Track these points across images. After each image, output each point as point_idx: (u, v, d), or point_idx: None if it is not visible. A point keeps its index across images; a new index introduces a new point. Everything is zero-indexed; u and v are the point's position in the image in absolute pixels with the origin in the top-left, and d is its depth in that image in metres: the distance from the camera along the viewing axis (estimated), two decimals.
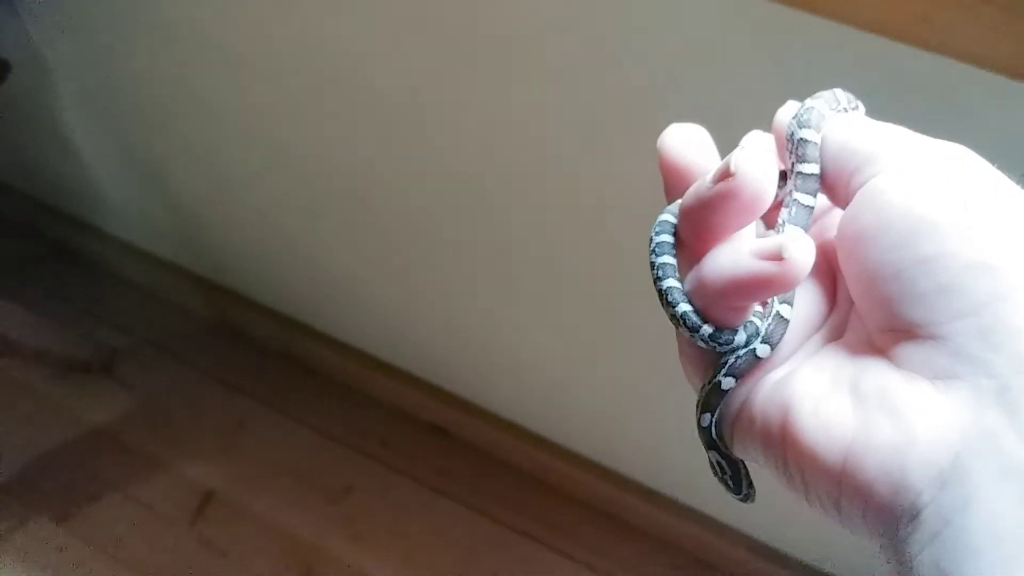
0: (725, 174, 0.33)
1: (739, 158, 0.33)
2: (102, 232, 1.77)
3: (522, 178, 1.10)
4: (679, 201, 0.36)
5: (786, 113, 0.37)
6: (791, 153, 0.36)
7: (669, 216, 0.37)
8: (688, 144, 0.37)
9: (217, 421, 1.59)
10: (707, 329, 0.35)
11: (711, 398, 0.37)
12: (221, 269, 1.67)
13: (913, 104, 0.64)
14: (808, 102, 0.36)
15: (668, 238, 0.37)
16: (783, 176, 0.37)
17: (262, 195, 1.44)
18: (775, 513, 1.33)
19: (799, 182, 0.36)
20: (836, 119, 0.36)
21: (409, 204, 1.26)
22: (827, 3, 0.69)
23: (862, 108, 0.38)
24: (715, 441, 0.38)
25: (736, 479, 0.39)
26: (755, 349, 0.35)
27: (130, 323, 1.72)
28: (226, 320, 1.71)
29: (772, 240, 0.33)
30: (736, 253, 0.34)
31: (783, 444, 0.33)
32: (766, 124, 0.39)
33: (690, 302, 0.36)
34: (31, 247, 1.81)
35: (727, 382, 0.36)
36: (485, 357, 1.44)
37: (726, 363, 0.36)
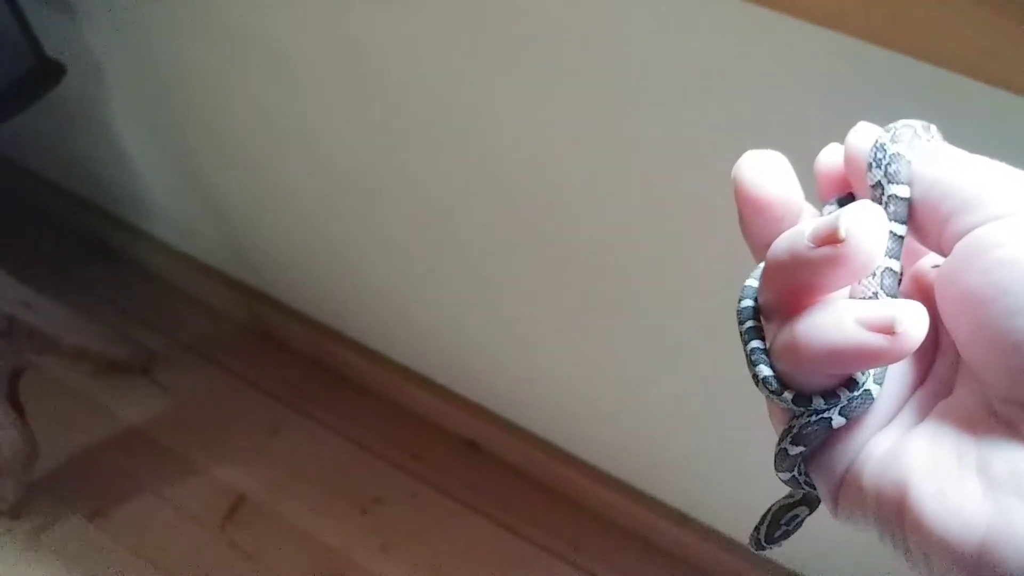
0: (832, 238, 0.30)
1: (851, 222, 0.29)
2: (145, 234, 1.79)
3: (573, 194, 1.10)
4: (759, 270, 0.34)
5: (860, 136, 0.34)
6: (879, 170, 0.33)
7: (754, 282, 0.36)
8: (768, 175, 0.34)
9: (251, 426, 1.60)
10: (788, 395, 0.33)
11: (780, 460, 0.36)
12: (261, 276, 1.68)
13: (972, 140, 0.63)
14: (891, 146, 0.33)
15: (752, 303, 0.35)
16: (850, 197, 0.35)
17: (305, 203, 1.44)
18: (812, 545, 1.31)
19: (892, 208, 0.32)
20: (929, 147, 0.33)
21: (452, 218, 1.26)
22: (900, 36, 0.68)
23: (938, 138, 0.35)
24: (799, 482, 0.37)
25: (777, 532, 0.39)
26: (831, 419, 0.33)
27: (169, 326, 1.73)
28: (264, 326, 1.72)
29: (883, 311, 0.30)
30: (839, 321, 0.31)
31: (902, 524, 0.30)
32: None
33: (772, 365, 0.34)
34: (76, 247, 1.83)
35: (794, 449, 0.35)
36: (520, 373, 1.43)
37: (793, 429, 0.34)
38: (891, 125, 0.34)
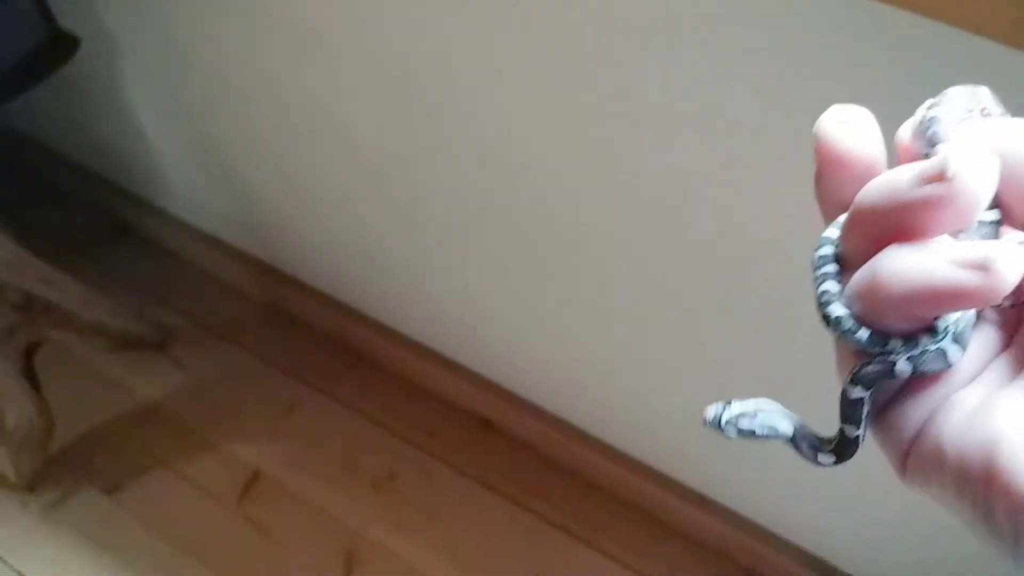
0: (938, 175, 0.28)
1: (959, 161, 0.28)
2: (164, 212, 1.79)
3: (590, 172, 1.09)
4: (842, 219, 0.32)
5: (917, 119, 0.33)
6: (921, 138, 0.32)
7: (834, 231, 0.33)
8: (853, 131, 0.32)
9: (267, 403, 1.60)
10: (864, 333, 0.31)
11: (841, 405, 0.34)
12: (279, 254, 1.68)
13: None
14: (930, 110, 0.32)
15: (831, 250, 0.33)
16: None
17: (324, 182, 1.44)
18: (825, 523, 1.29)
19: None
20: (973, 124, 0.31)
21: (470, 197, 1.25)
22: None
23: (997, 108, 0.33)
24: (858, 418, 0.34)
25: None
26: (894, 364, 0.32)
27: (186, 303, 1.73)
28: (281, 304, 1.71)
29: (977, 248, 0.28)
30: (928, 256, 0.29)
31: (988, 488, 0.29)
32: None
33: (848, 305, 0.32)
34: (94, 224, 1.84)
35: (853, 391, 0.33)
36: (537, 352, 1.42)
37: (856, 369, 0.32)
38: (933, 100, 0.33)
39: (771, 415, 0.38)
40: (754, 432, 0.38)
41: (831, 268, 0.33)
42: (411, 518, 1.45)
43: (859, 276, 0.31)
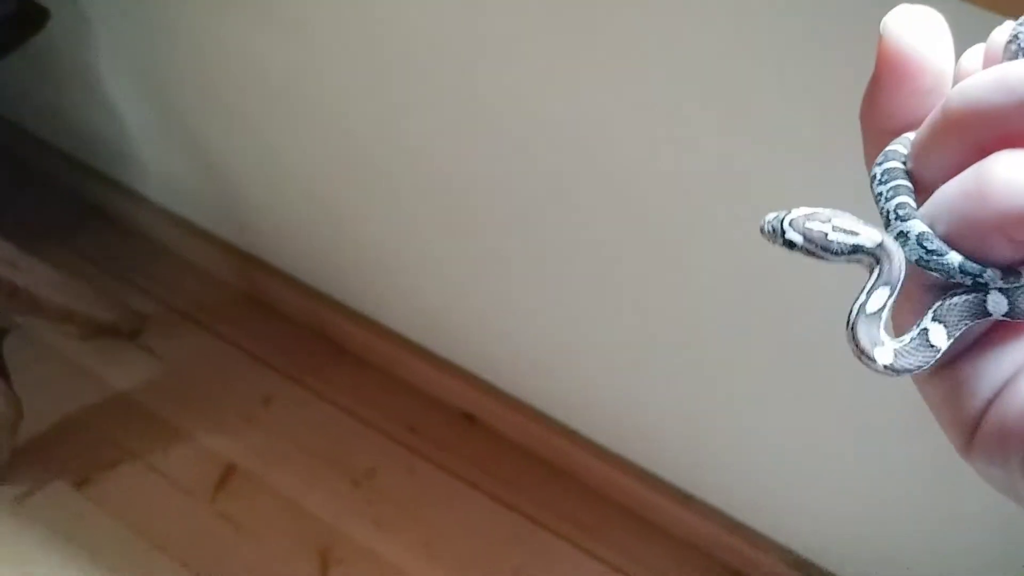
0: None
1: None
2: (138, 195, 1.74)
3: (578, 166, 1.06)
4: (909, 136, 0.27)
5: (1001, 31, 0.28)
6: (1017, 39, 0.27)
7: (901, 146, 0.27)
8: (927, 33, 0.27)
9: (243, 395, 1.56)
10: (955, 258, 0.26)
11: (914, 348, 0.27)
12: (257, 241, 1.64)
13: None
14: None
15: (899, 165, 0.27)
16: None
17: (303, 168, 1.41)
18: (815, 525, 1.28)
19: None
20: None
21: (453, 187, 1.23)
22: None
23: None
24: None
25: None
26: (986, 298, 0.26)
27: (162, 290, 1.69)
28: (259, 293, 1.68)
29: None
30: None
31: None
32: None
33: (931, 224, 0.26)
34: (66, 206, 1.79)
35: (936, 331, 0.26)
36: (520, 346, 1.40)
37: (941, 303, 0.26)
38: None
39: (849, 219, 0.29)
40: (828, 241, 0.28)
41: (904, 182, 0.27)
42: (391, 515, 1.42)
43: (956, 186, 0.25)
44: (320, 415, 1.53)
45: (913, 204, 0.27)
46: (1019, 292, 0.26)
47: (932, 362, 0.27)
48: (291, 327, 1.63)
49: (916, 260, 0.26)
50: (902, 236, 0.26)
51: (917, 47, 0.27)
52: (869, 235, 0.27)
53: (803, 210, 0.28)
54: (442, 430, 1.51)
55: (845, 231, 0.28)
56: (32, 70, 1.52)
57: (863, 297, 0.27)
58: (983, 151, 0.25)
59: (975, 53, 0.29)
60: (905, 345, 0.27)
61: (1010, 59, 0.26)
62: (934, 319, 0.26)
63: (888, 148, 0.28)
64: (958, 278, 0.26)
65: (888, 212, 0.27)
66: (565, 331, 1.30)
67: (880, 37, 0.27)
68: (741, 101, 0.88)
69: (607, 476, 1.41)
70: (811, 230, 0.28)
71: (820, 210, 0.29)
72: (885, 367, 0.27)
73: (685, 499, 1.36)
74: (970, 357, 0.27)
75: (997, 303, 0.26)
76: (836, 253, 0.28)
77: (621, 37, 0.90)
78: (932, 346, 0.26)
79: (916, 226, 0.26)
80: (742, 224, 0.98)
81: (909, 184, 0.27)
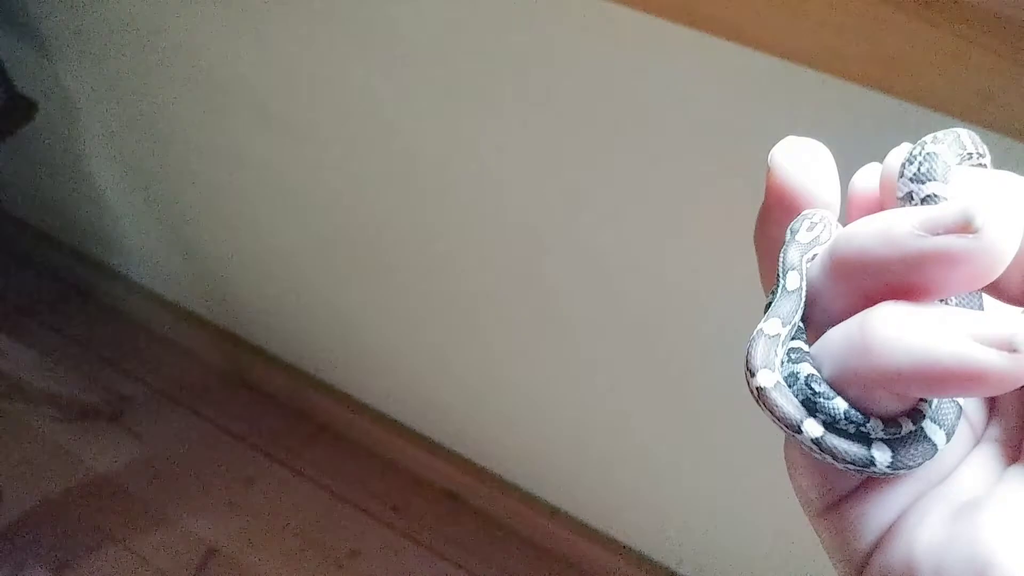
0: (960, 226, 0.23)
1: (988, 212, 0.23)
2: (122, 276, 1.74)
3: (561, 249, 1.07)
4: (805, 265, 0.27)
5: (897, 157, 0.28)
6: (910, 178, 0.27)
7: (795, 277, 0.27)
8: (810, 167, 0.28)
9: (225, 476, 1.55)
10: (841, 405, 0.25)
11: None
12: (239, 321, 1.64)
13: None
14: (927, 145, 0.27)
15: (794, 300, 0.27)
16: None
17: (285, 249, 1.41)
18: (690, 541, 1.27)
19: None
20: (966, 173, 0.27)
21: (433, 267, 1.23)
22: (897, 81, 0.66)
23: (989, 157, 0.30)
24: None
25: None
26: (872, 456, 0.26)
27: (144, 370, 1.68)
28: (241, 372, 1.67)
29: (1002, 324, 0.23)
30: (942, 328, 0.23)
31: None
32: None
33: (818, 366, 0.26)
34: (49, 288, 1.79)
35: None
36: (503, 425, 1.39)
37: (828, 446, 0.25)
38: (928, 145, 0.28)
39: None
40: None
41: (798, 324, 0.27)
42: None
43: (842, 336, 0.25)
44: (303, 496, 1.52)
45: (805, 347, 0.27)
46: (900, 444, 0.26)
47: (791, 428, 0.26)
48: (274, 407, 1.63)
49: (803, 400, 0.26)
50: (792, 377, 0.26)
51: (804, 182, 0.28)
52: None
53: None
54: (427, 509, 1.49)
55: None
56: (18, 155, 1.54)
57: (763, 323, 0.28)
58: (869, 298, 0.25)
59: (868, 172, 0.30)
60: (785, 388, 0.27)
61: (903, 187, 0.27)
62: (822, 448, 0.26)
63: (783, 279, 0.28)
64: (842, 424, 0.26)
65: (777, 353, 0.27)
66: (551, 410, 1.30)
67: (768, 170, 0.28)
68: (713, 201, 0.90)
69: (591, 554, 1.39)
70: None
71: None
72: (758, 388, 0.27)
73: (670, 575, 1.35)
74: (855, 500, 0.27)
75: (882, 460, 0.25)
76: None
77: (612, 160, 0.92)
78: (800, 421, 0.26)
79: (805, 368, 0.26)
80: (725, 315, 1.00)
81: (801, 324, 0.27)
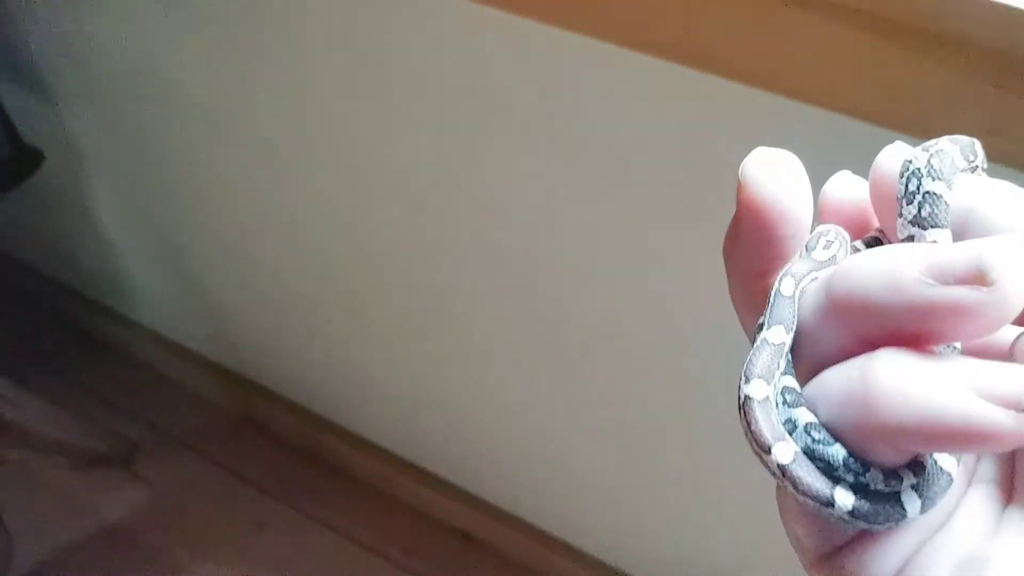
0: (975, 277, 0.22)
1: (1005, 262, 0.21)
2: (129, 321, 1.74)
3: (571, 283, 1.07)
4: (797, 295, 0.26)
5: (892, 156, 0.27)
6: (909, 210, 0.26)
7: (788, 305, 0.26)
8: (784, 181, 0.26)
9: (235, 520, 1.54)
10: (840, 451, 0.24)
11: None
12: (247, 363, 1.64)
13: None
14: (939, 142, 0.26)
15: (784, 334, 0.26)
16: (877, 242, 0.28)
17: (292, 290, 1.41)
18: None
19: None
20: (970, 180, 0.26)
21: (444, 304, 1.23)
22: (901, 115, 0.65)
23: (984, 167, 0.28)
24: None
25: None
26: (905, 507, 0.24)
27: (152, 415, 1.68)
28: (250, 415, 1.67)
29: (1009, 379, 0.22)
30: (947, 383, 0.22)
31: None
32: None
33: (813, 410, 0.25)
34: (56, 334, 1.79)
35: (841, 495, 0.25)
36: (515, 463, 1.38)
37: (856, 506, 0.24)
38: (940, 142, 0.27)
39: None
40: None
41: (787, 371, 0.26)
42: None
43: (841, 384, 0.24)
44: (314, 539, 1.51)
45: (797, 386, 0.26)
46: (876, 498, 0.25)
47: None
48: (284, 449, 1.62)
49: (803, 447, 0.25)
50: (789, 423, 0.25)
51: (777, 196, 0.26)
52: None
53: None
54: (439, 550, 1.48)
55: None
56: (25, 203, 1.54)
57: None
58: (866, 342, 0.24)
59: (841, 181, 0.29)
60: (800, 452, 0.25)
61: (907, 198, 0.26)
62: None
63: (774, 307, 0.27)
64: (840, 472, 0.25)
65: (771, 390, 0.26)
66: (563, 448, 1.29)
67: (739, 183, 0.27)
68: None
69: None
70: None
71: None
72: (779, 466, 0.25)
73: None
74: (852, 551, 0.25)
75: (912, 510, 0.24)
76: None
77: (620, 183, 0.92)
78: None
79: (803, 415, 0.25)
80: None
81: (790, 356, 0.26)
